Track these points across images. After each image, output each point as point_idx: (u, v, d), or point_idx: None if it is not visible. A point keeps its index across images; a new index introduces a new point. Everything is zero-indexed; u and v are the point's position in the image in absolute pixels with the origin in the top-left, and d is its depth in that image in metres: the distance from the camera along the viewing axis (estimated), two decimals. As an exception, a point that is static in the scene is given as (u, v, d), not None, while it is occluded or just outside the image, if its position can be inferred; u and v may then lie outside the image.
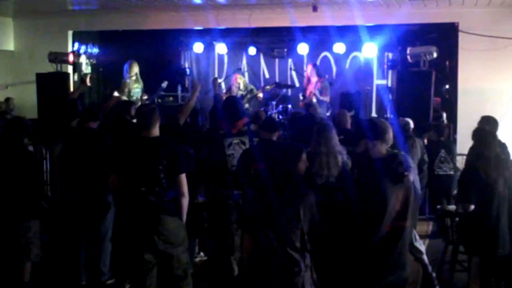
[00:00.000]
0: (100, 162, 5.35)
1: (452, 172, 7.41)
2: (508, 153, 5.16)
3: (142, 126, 4.42)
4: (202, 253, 6.42)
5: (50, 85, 9.59)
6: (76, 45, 11.31)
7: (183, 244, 4.44)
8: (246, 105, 10.25)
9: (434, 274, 5.55)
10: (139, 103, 8.53)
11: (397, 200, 3.67)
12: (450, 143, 7.84)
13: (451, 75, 9.91)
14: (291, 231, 3.62)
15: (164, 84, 10.11)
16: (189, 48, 12.26)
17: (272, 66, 12.29)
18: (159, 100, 10.80)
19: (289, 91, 11.56)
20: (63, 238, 6.21)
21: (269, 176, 3.77)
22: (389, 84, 11.36)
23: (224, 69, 12.52)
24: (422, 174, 6.84)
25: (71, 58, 10.10)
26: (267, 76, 12.34)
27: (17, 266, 5.10)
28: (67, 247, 5.87)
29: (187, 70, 12.13)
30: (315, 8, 9.32)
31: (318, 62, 11.42)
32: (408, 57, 9.26)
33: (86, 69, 10.92)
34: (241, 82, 10.76)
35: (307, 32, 10.72)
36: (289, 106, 10.62)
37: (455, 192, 6.67)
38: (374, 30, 10.14)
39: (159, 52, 11.91)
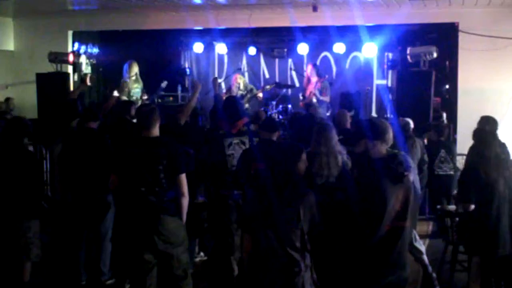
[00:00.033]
0: (100, 162, 5.35)
1: (452, 172, 7.41)
2: (508, 153, 5.15)
3: (142, 126, 4.42)
4: (202, 253, 6.42)
5: (50, 85, 9.60)
6: (76, 45, 11.31)
7: (183, 244, 4.44)
8: (246, 105, 10.26)
9: (434, 274, 5.55)
10: (139, 103, 8.54)
11: (397, 200, 3.67)
12: (450, 143, 7.84)
13: (451, 75, 9.91)
14: (291, 231, 3.62)
15: (164, 84, 10.12)
16: (189, 48, 12.26)
17: (272, 66, 12.30)
18: (159, 100, 10.81)
19: (289, 91, 11.55)
20: (63, 238, 6.21)
21: (269, 176, 3.77)
22: (389, 84, 11.36)
23: (224, 69, 12.52)
24: (422, 174, 6.83)
25: (71, 58, 10.11)
26: (267, 76, 12.34)
27: (17, 266, 5.10)
28: (67, 247, 5.87)
29: (187, 70, 12.14)
30: (315, 8, 9.32)
31: (318, 62, 11.43)
32: (408, 57, 9.27)
33: (86, 69, 10.92)
34: (241, 82, 10.76)
35: (307, 32, 10.73)
36: (289, 106, 10.62)
37: (455, 192, 6.67)
38: (374, 30, 10.14)
39: (159, 52, 11.91)
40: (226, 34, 11.19)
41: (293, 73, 12.09)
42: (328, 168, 4.56)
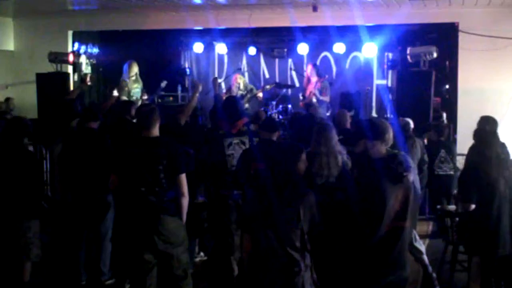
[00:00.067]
0: (100, 162, 5.34)
1: (452, 172, 7.41)
2: (507, 153, 5.14)
3: (142, 126, 4.42)
4: (202, 253, 6.41)
5: (50, 85, 9.61)
6: (76, 45, 11.31)
7: (183, 244, 4.44)
8: (246, 105, 10.26)
9: (434, 274, 5.55)
10: (139, 103, 8.54)
11: (397, 200, 3.67)
12: (450, 143, 7.84)
13: (451, 75, 9.91)
14: (291, 231, 3.62)
15: (163, 84, 10.12)
16: (189, 48, 12.26)
17: (272, 66, 12.30)
18: (159, 100, 10.81)
19: (289, 91, 11.56)
20: (63, 238, 6.20)
21: (269, 176, 3.77)
22: (389, 84, 11.36)
23: (224, 69, 12.52)
24: (422, 174, 6.83)
25: (71, 58, 10.11)
26: (267, 76, 12.34)
27: (17, 266, 5.10)
28: (67, 247, 5.86)
29: (187, 70, 12.14)
30: (315, 8, 9.32)
31: (318, 62, 11.42)
32: (408, 57, 9.27)
33: (86, 69, 10.92)
34: (241, 82, 10.76)
35: (307, 32, 10.72)
36: (289, 106, 10.62)
37: (455, 192, 6.67)
38: (374, 30, 10.14)
39: (159, 52, 11.91)
40: (226, 34, 11.19)
41: (293, 73, 12.08)
42: (328, 168, 4.56)
